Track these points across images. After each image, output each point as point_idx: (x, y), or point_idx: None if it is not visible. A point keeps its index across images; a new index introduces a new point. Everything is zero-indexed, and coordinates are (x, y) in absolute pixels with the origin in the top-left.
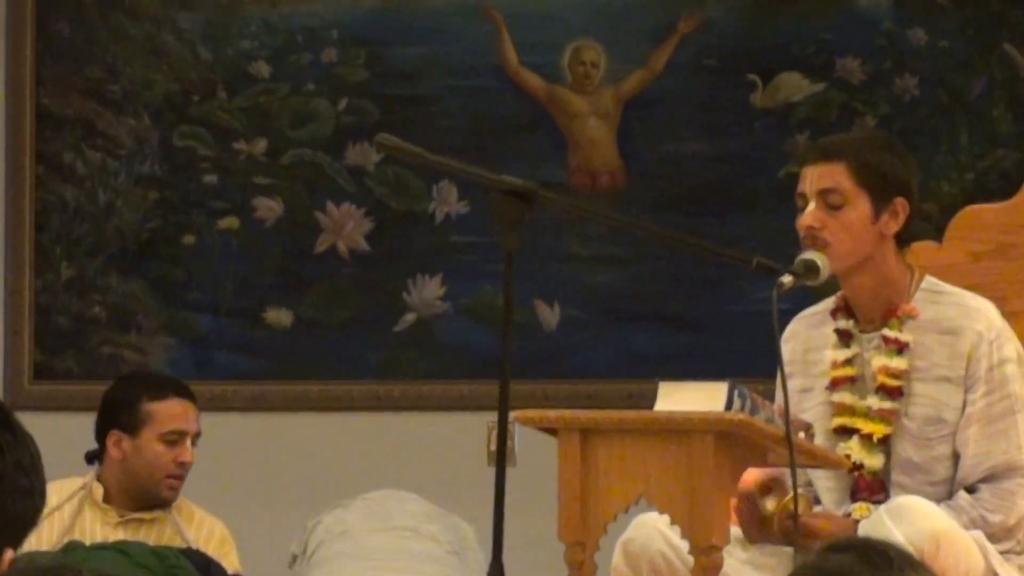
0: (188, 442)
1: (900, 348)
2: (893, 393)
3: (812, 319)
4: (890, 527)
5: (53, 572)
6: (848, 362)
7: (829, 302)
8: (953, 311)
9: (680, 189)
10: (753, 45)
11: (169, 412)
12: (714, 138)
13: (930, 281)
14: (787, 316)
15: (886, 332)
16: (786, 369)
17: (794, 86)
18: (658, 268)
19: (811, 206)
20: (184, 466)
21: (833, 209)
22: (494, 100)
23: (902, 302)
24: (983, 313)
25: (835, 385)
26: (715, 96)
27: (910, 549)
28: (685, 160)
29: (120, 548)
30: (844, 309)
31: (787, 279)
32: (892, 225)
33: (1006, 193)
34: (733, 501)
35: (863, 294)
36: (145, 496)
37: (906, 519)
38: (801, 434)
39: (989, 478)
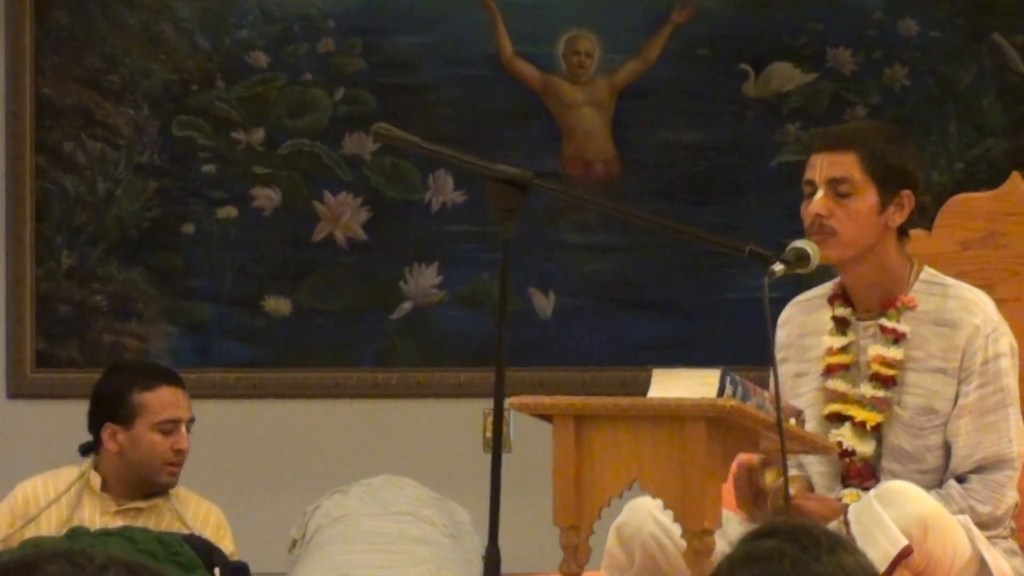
0: (183, 429)
1: (897, 338)
2: (887, 382)
3: (807, 304)
4: (879, 511)
5: (66, 556)
6: (844, 349)
7: (826, 288)
8: (951, 303)
9: (673, 178)
10: (745, 35)
11: (161, 401)
12: (707, 127)
13: (929, 272)
14: (779, 304)
15: (884, 322)
16: (780, 354)
17: (786, 76)
18: (652, 256)
19: (819, 194)
20: (181, 453)
21: (841, 198)
22: (490, 90)
23: (901, 292)
24: (980, 306)
25: (829, 372)
26: (708, 86)
27: (899, 532)
28: (678, 149)
29: (125, 534)
30: (842, 296)
31: (778, 267)
32: (897, 217)
33: (995, 182)
34: (732, 476)
35: (862, 283)
36: (145, 484)
37: (894, 503)
38: (792, 420)
39: (979, 469)
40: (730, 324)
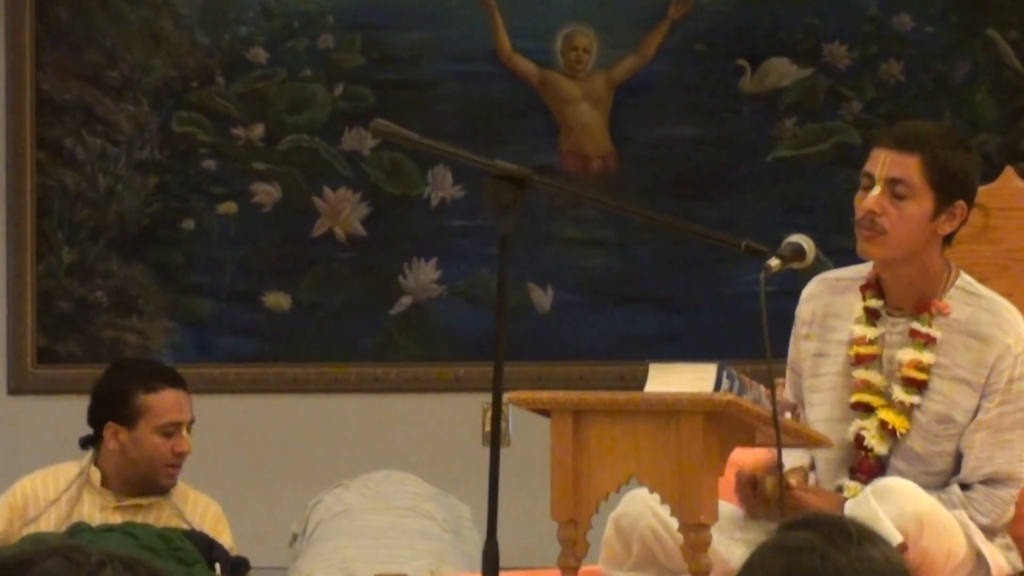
0: (184, 431)
1: (927, 342)
2: (919, 387)
3: (837, 284)
4: (875, 507)
5: (63, 551)
6: (872, 342)
7: (858, 271)
8: (985, 317)
9: (670, 173)
10: (742, 31)
11: (164, 404)
12: (704, 122)
13: (965, 279)
14: (775, 298)
15: (916, 326)
16: (803, 330)
17: (782, 71)
18: (649, 251)
19: (876, 191)
20: (181, 455)
21: (898, 199)
22: (488, 85)
23: (936, 296)
24: (1014, 325)
25: (859, 362)
26: (705, 81)
27: (894, 529)
28: (675, 144)
29: (127, 530)
30: (875, 287)
31: (775, 262)
32: (947, 227)
33: (988, 177)
34: (730, 478)
35: (900, 282)
36: (144, 484)
37: (891, 500)
38: (787, 414)
39: (986, 482)
40: (727, 318)
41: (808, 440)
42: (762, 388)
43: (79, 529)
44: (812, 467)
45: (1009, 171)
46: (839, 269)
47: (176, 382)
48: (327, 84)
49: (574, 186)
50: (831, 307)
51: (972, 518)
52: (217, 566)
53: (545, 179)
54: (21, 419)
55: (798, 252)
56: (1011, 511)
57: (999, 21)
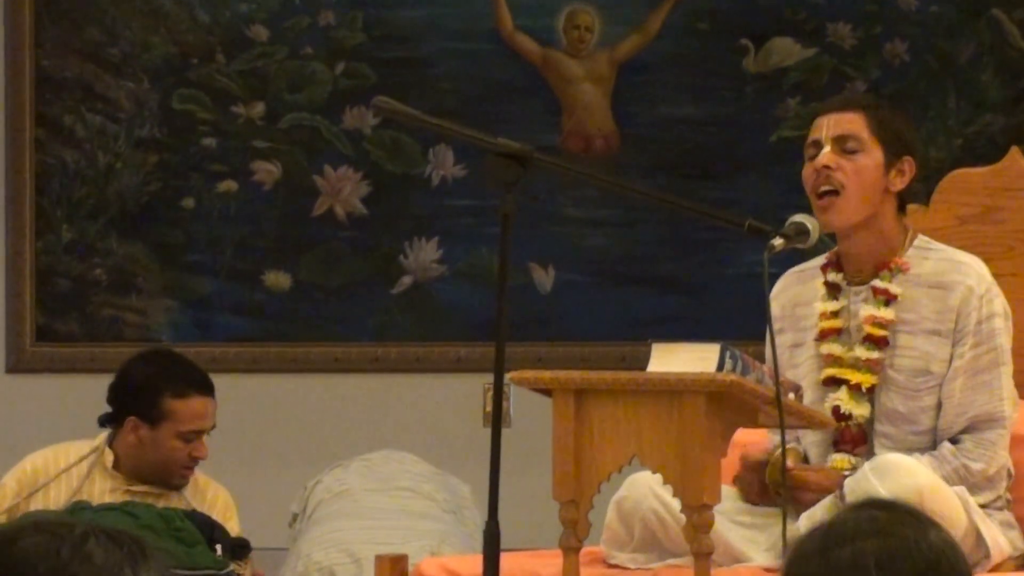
0: (204, 438)
1: (888, 299)
2: (879, 343)
3: (801, 275)
4: (874, 483)
5: (46, 527)
6: (835, 314)
7: (819, 259)
8: (943, 266)
9: (673, 153)
10: (746, 9)
11: (190, 411)
12: (707, 102)
13: (923, 239)
14: (778, 279)
15: (876, 283)
16: (776, 325)
17: (786, 51)
18: (651, 231)
19: (826, 149)
20: (198, 459)
21: (849, 154)
22: (490, 64)
23: (894, 257)
24: (973, 268)
25: (823, 337)
26: (708, 60)
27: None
28: (678, 124)
29: (127, 509)
30: (835, 264)
31: (778, 242)
32: (898, 182)
33: (993, 158)
34: (732, 459)
35: (859, 250)
36: (156, 479)
37: (890, 475)
38: (791, 395)
39: (971, 428)
40: (729, 298)
41: (811, 420)
42: (765, 368)
43: (79, 507)
44: (804, 458)
45: (1015, 151)
46: (803, 263)
47: (206, 389)
48: (328, 62)
49: (576, 165)
50: (798, 297)
51: (967, 467)
52: (218, 547)
53: (547, 158)
54: (20, 397)
55: (801, 231)
56: (1003, 454)
57: (1004, 1)
